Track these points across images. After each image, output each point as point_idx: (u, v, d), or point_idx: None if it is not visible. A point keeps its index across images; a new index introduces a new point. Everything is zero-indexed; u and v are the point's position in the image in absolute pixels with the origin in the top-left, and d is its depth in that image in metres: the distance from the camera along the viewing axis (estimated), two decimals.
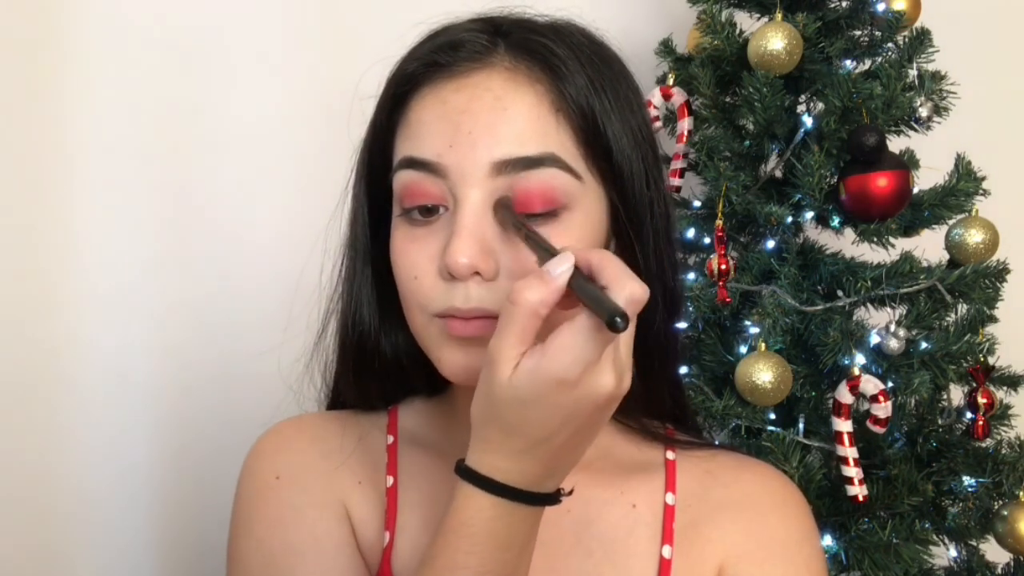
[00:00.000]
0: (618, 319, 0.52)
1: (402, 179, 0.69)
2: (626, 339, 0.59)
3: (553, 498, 0.62)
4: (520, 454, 0.59)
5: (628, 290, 0.56)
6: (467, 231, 0.65)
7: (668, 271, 0.74)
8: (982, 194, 1.31)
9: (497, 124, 0.66)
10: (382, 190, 0.72)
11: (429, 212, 0.68)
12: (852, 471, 1.19)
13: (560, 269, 0.57)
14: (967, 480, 1.26)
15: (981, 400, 1.24)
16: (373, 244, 0.75)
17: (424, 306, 0.68)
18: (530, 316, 0.57)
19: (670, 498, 0.75)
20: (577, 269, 0.58)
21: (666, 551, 0.73)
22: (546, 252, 0.60)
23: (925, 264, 1.27)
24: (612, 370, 0.57)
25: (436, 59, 0.69)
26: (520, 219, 0.65)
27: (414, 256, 0.68)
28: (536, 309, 0.57)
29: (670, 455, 0.77)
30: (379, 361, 0.77)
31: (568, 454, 0.61)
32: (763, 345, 1.22)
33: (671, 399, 0.79)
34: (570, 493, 0.63)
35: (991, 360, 1.26)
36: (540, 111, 0.66)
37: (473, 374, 0.65)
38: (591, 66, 0.69)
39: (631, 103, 0.71)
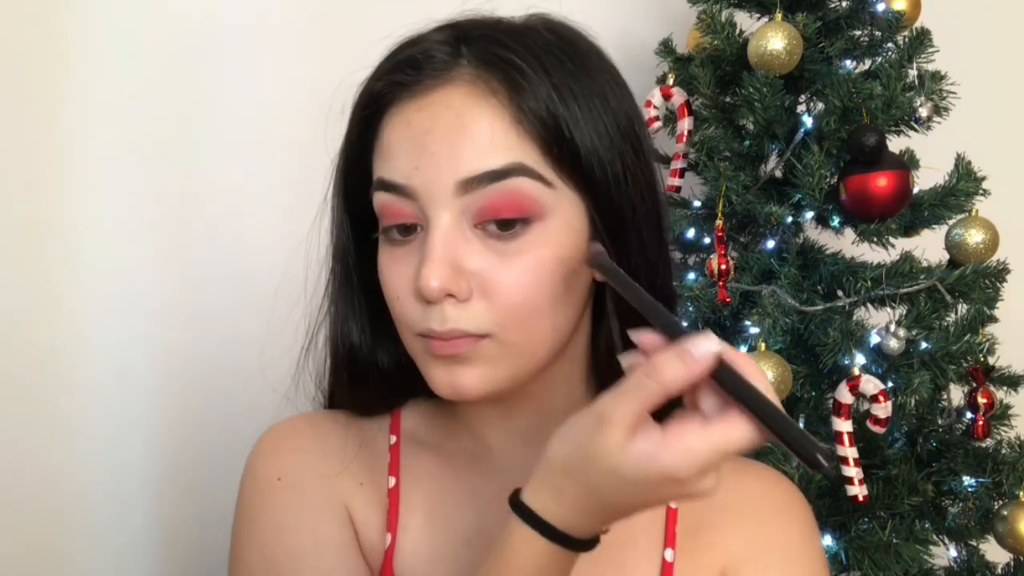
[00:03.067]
0: (821, 458, 0.48)
1: (379, 199, 0.69)
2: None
3: (597, 541, 0.61)
4: (589, 513, 0.58)
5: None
6: (437, 255, 0.65)
7: (659, 271, 0.73)
8: (982, 194, 1.30)
9: (458, 142, 0.65)
10: (367, 204, 0.72)
11: (407, 230, 0.68)
12: (852, 471, 1.19)
13: (704, 350, 0.54)
14: (967, 480, 1.26)
15: (981, 400, 1.24)
16: (360, 257, 0.75)
17: (407, 326, 0.69)
18: (658, 392, 0.54)
19: (672, 501, 0.75)
20: (726, 362, 0.54)
21: (668, 554, 0.73)
22: (674, 325, 0.57)
23: (925, 264, 1.27)
24: (716, 474, 0.55)
25: (399, 79, 0.69)
26: (619, 271, 0.62)
27: (394, 277, 0.69)
28: (668, 388, 0.54)
29: None
30: (376, 372, 0.77)
31: (628, 514, 0.59)
32: (763, 345, 1.22)
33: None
34: (607, 531, 0.62)
35: (991, 360, 1.26)
36: (501, 124, 0.66)
37: (461, 391, 0.66)
38: (557, 70, 0.68)
39: (606, 99, 0.69)
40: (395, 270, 0.69)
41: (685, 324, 0.56)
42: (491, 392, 0.68)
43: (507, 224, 0.66)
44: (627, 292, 0.62)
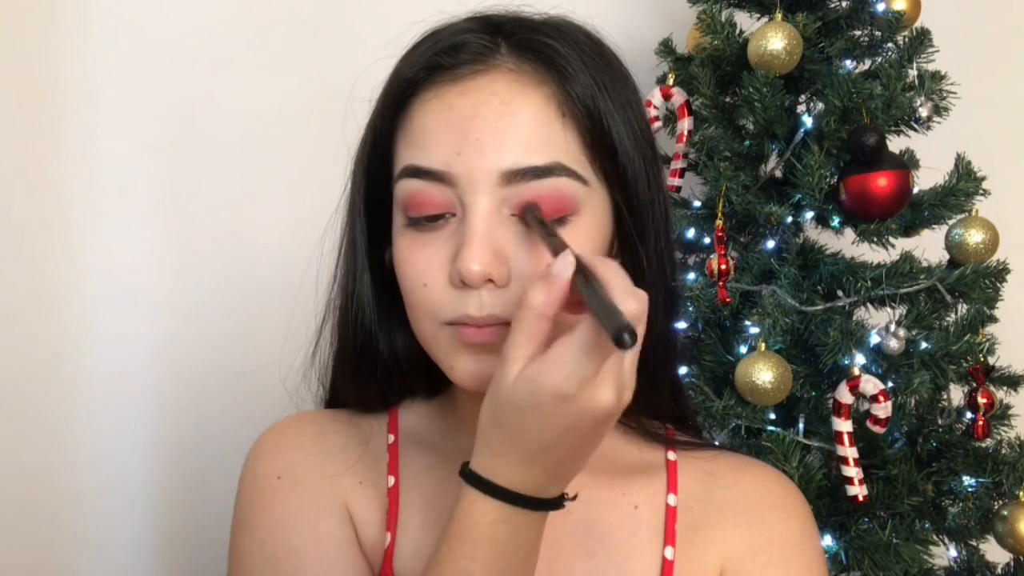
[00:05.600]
0: (626, 336, 0.50)
1: (407, 188, 0.67)
2: (631, 354, 0.57)
3: (556, 503, 0.61)
4: (521, 461, 0.58)
5: (629, 306, 0.55)
6: (479, 238, 0.64)
7: (668, 271, 0.73)
8: (982, 194, 1.31)
9: (504, 132, 0.65)
10: (382, 194, 0.71)
11: (435, 219, 0.67)
12: (852, 471, 1.19)
13: (559, 268, 0.57)
14: (967, 480, 1.26)
15: (981, 400, 1.24)
16: (371, 248, 0.75)
17: (434, 313, 0.67)
18: (536, 318, 0.56)
19: (672, 499, 0.75)
20: (588, 275, 0.56)
21: (668, 552, 0.73)
22: (558, 250, 0.59)
23: (925, 264, 1.27)
24: (612, 385, 0.56)
25: (438, 62, 0.67)
26: (544, 221, 0.64)
27: (423, 264, 0.67)
28: (541, 311, 0.56)
29: (671, 456, 0.77)
30: (378, 364, 0.76)
31: (571, 462, 0.60)
32: (763, 345, 1.22)
33: (671, 400, 0.79)
34: (574, 498, 0.62)
35: (991, 360, 1.26)
36: (547, 115, 0.66)
37: (485, 381, 0.64)
38: (593, 65, 0.68)
39: (631, 102, 0.70)
40: (422, 256, 0.67)
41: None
42: None
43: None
44: (541, 233, 0.63)
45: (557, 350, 0.55)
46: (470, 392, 0.69)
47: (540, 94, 0.66)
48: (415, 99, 0.68)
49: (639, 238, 0.70)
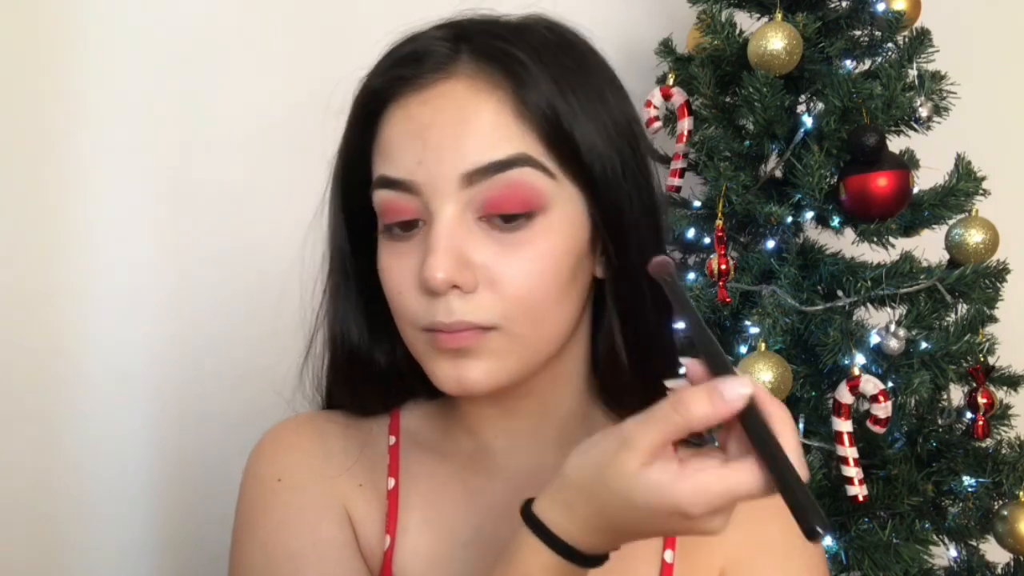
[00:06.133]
0: (819, 529, 0.48)
1: (380, 197, 0.69)
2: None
3: (604, 558, 0.60)
4: (597, 531, 0.58)
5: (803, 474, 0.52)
6: (442, 246, 0.65)
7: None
8: (982, 194, 1.30)
9: (462, 136, 0.66)
10: (365, 203, 0.72)
11: (409, 226, 0.68)
12: (852, 471, 1.19)
13: (735, 394, 0.53)
14: (967, 480, 1.26)
15: (981, 400, 1.24)
16: (357, 257, 0.75)
17: (411, 321, 0.68)
18: (684, 428, 0.54)
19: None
20: (756, 409, 0.53)
21: (668, 555, 0.73)
22: (717, 358, 0.56)
23: (925, 264, 1.27)
24: (726, 518, 0.55)
25: (400, 73, 0.69)
26: (702, 324, 0.59)
27: (397, 272, 0.68)
28: (693, 424, 0.54)
29: None
30: (374, 371, 0.77)
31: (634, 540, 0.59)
32: (763, 345, 1.22)
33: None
34: (607, 558, 0.61)
35: (991, 360, 1.26)
36: (504, 117, 0.66)
37: (466, 385, 0.65)
38: (556, 66, 0.68)
39: (603, 96, 0.70)
40: (397, 264, 0.68)
41: (730, 359, 0.55)
42: (497, 386, 0.68)
43: (511, 217, 0.66)
44: (684, 312, 0.60)
45: (705, 480, 0.53)
46: (474, 397, 0.69)
47: (495, 98, 0.66)
48: (383, 112, 0.70)
49: (612, 236, 0.70)
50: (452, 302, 0.65)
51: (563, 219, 0.67)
